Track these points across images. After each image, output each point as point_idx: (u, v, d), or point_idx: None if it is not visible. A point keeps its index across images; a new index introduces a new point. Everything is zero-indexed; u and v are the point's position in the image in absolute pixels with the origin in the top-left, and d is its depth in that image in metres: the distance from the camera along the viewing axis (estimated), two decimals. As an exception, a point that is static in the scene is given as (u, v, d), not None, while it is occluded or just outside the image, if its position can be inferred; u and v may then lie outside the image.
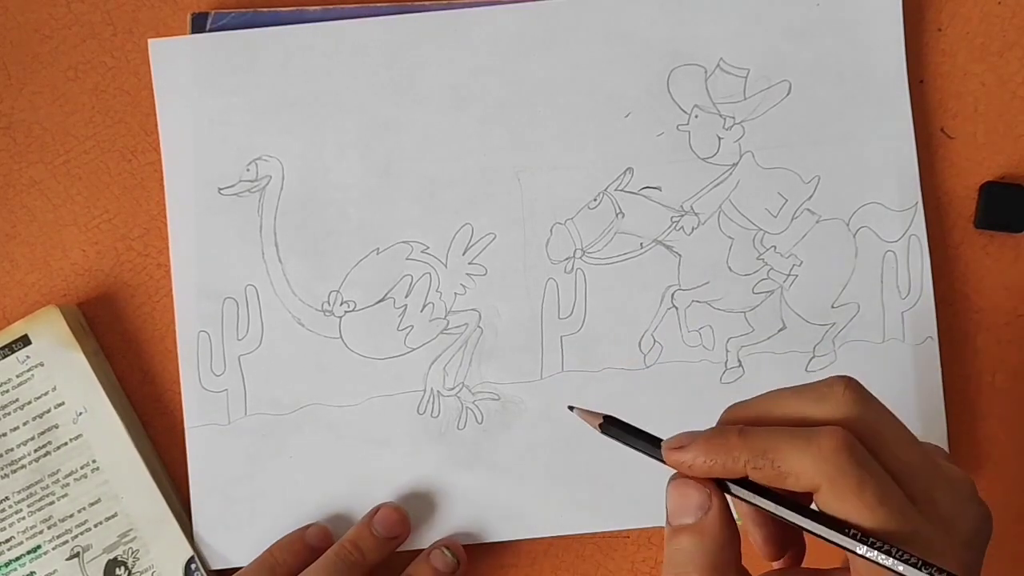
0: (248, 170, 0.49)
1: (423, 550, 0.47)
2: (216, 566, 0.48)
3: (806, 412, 0.30)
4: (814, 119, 0.48)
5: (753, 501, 0.30)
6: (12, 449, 0.48)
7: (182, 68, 0.49)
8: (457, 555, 0.46)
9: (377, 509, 0.47)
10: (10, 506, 0.48)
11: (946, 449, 0.47)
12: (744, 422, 0.31)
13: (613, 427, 0.32)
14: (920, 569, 0.27)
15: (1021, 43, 0.49)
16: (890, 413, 0.31)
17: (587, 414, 0.33)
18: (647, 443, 0.32)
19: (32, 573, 0.47)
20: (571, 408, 0.34)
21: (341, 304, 0.48)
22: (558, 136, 0.48)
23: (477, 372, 0.48)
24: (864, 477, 0.28)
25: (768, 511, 0.30)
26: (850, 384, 0.30)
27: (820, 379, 0.31)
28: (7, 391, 0.48)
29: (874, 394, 0.31)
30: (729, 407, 0.32)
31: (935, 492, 0.30)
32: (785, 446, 0.29)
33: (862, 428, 0.29)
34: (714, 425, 0.32)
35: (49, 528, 0.48)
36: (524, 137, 0.48)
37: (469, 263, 0.48)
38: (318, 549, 0.46)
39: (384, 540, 0.46)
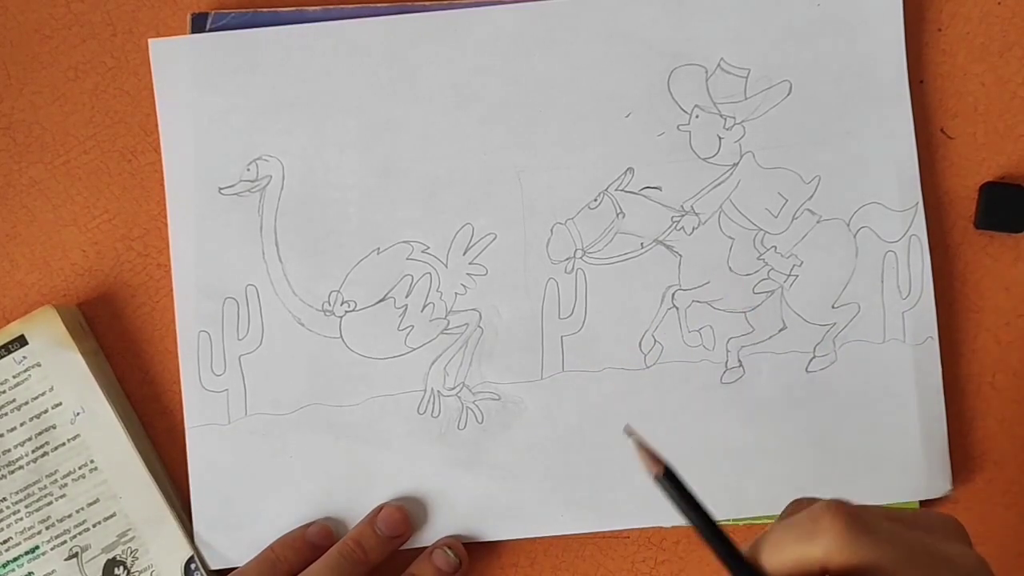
0: (248, 170, 0.49)
1: (424, 549, 0.47)
2: (216, 566, 0.48)
3: (800, 555, 0.29)
4: (814, 119, 0.48)
5: None
6: (9, 450, 0.47)
7: (182, 68, 0.49)
8: (458, 554, 0.46)
9: (380, 508, 0.47)
10: (8, 507, 0.47)
11: (947, 453, 0.47)
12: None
13: (668, 482, 0.30)
14: None
15: (1021, 43, 0.49)
16: (887, 532, 0.29)
17: (647, 454, 0.31)
18: (698, 515, 0.30)
19: (30, 574, 0.47)
20: (629, 434, 0.31)
21: (341, 304, 0.48)
22: (559, 136, 0.48)
23: (477, 372, 0.48)
24: None
25: None
26: (836, 513, 0.29)
27: (807, 509, 0.30)
28: (4, 392, 0.48)
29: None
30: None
31: None
32: None
33: (856, 561, 0.28)
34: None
35: (47, 528, 0.47)
36: (524, 137, 0.48)
37: (470, 263, 0.48)
38: (319, 547, 0.46)
39: (387, 539, 0.46)
